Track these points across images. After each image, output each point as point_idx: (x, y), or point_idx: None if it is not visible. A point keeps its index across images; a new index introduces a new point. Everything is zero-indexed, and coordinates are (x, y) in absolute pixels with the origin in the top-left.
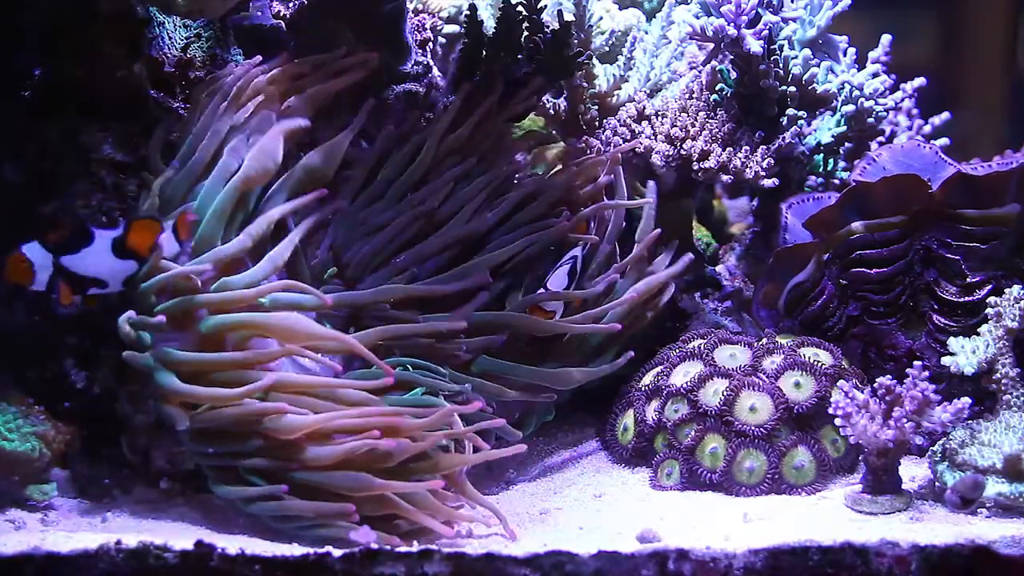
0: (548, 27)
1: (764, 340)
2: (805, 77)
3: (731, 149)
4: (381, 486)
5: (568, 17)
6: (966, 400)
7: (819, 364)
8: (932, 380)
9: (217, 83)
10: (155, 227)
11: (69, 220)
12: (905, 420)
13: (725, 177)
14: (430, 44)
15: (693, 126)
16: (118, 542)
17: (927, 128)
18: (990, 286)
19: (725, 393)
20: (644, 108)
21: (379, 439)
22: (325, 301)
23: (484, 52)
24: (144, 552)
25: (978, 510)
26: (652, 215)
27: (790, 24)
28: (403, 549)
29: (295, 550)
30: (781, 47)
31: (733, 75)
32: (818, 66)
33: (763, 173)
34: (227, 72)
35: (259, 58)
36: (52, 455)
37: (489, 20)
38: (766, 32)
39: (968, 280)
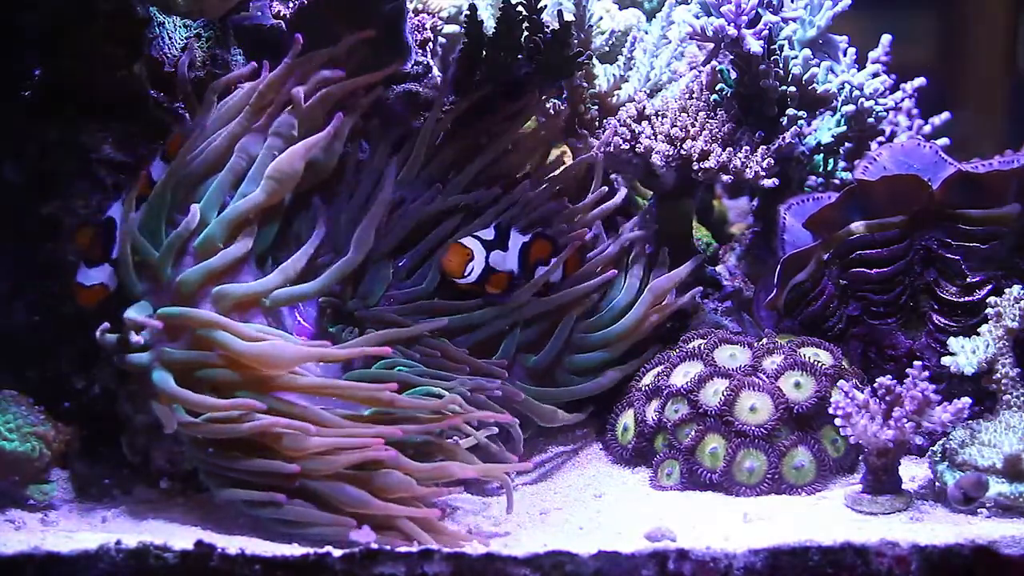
0: (548, 27)
1: (764, 340)
2: (805, 77)
3: (731, 149)
4: (380, 507)
5: (568, 17)
6: (966, 400)
7: (819, 364)
8: (932, 380)
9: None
10: (146, 178)
11: (92, 229)
12: (905, 420)
13: (725, 177)
14: (430, 44)
15: (693, 126)
16: (118, 542)
17: (927, 128)
18: (990, 286)
19: (725, 393)
20: (644, 108)
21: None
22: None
23: (484, 52)
24: (144, 552)
25: (978, 510)
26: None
27: (790, 24)
28: (403, 549)
29: (295, 550)
30: (781, 47)
31: (733, 75)
32: (818, 66)
33: (763, 173)
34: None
35: (264, 64)
36: (52, 455)
37: (489, 20)
38: (766, 32)
39: (968, 280)
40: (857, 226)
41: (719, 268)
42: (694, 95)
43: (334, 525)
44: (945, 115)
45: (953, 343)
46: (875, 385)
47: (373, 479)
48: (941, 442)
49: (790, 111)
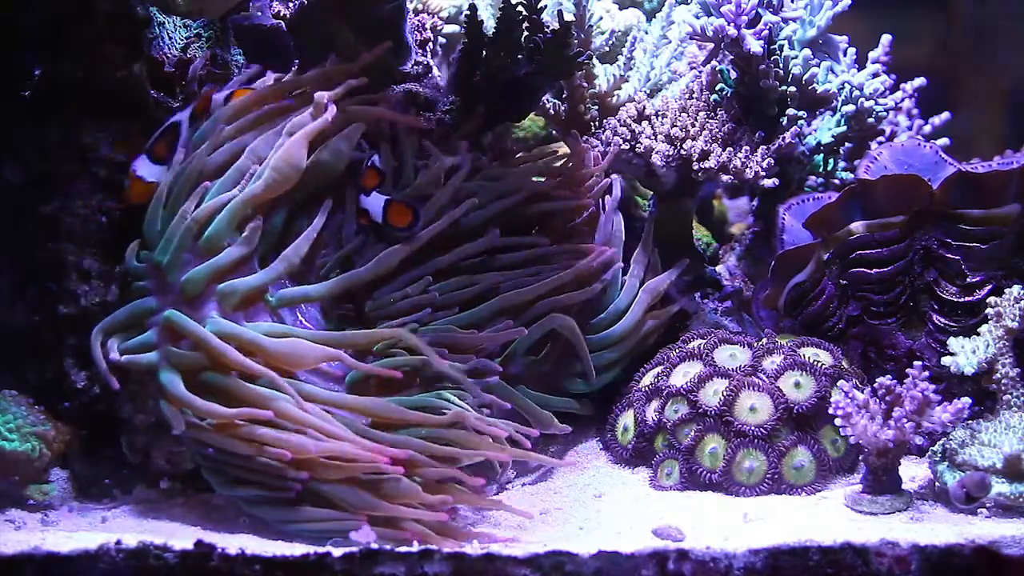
0: (548, 27)
1: (764, 340)
2: (805, 77)
3: (731, 149)
4: (388, 510)
5: (568, 17)
6: (966, 400)
7: (819, 364)
8: (932, 380)
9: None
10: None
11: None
12: (905, 420)
13: (725, 177)
14: (430, 44)
15: (693, 126)
16: (118, 542)
17: (927, 128)
18: (990, 286)
19: (725, 393)
20: (644, 108)
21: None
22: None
23: (484, 52)
24: (144, 552)
25: (978, 510)
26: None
27: (790, 24)
28: (403, 549)
29: (295, 550)
30: (781, 47)
31: (733, 75)
32: (818, 66)
33: (763, 173)
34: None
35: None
36: (52, 455)
37: (489, 20)
38: (766, 32)
39: (968, 280)
40: (857, 226)
41: (719, 268)
42: (694, 95)
43: (343, 521)
44: (945, 115)
45: (953, 343)
46: (875, 385)
47: (381, 485)
48: (941, 442)
49: (790, 111)
